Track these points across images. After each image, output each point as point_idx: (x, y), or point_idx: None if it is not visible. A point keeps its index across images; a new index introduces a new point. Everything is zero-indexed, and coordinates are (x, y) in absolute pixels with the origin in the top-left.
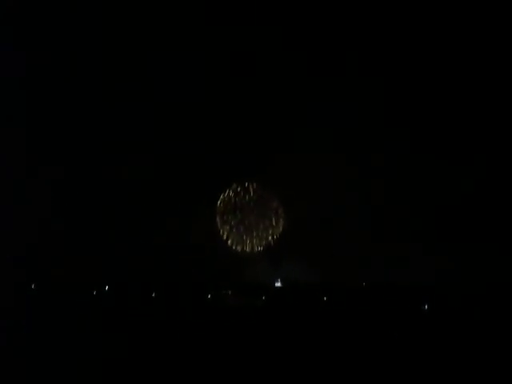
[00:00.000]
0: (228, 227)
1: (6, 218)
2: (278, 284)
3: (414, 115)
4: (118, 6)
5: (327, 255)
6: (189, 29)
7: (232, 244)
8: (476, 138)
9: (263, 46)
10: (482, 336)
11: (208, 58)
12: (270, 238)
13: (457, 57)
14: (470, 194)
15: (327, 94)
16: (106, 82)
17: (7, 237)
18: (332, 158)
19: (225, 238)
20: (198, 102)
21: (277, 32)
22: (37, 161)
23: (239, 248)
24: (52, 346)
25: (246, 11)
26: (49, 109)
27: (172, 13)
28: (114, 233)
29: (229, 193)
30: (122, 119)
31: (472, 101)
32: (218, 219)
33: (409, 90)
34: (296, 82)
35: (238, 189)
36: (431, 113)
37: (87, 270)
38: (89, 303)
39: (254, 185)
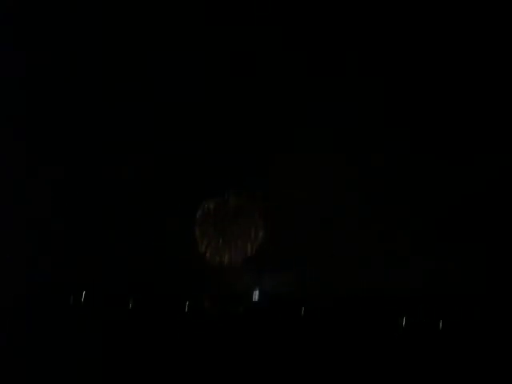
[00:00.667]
0: (206, 238)
1: (5, 218)
2: (256, 296)
3: (414, 115)
4: (118, 5)
5: (326, 257)
6: (189, 29)
7: (210, 255)
8: (477, 137)
9: (263, 46)
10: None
11: (208, 58)
12: (249, 249)
13: (457, 57)
14: (470, 194)
15: (327, 94)
16: (106, 81)
17: (7, 237)
18: (332, 158)
19: (203, 249)
20: (198, 102)
21: (277, 32)
22: (37, 161)
23: (217, 259)
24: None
25: (245, 11)
26: (49, 109)
27: (172, 13)
28: (114, 232)
29: (208, 204)
30: (122, 119)
31: (472, 100)
32: (196, 230)
33: (409, 90)
34: (296, 82)
35: (218, 200)
36: (431, 112)
37: (86, 270)
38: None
39: (235, 196)
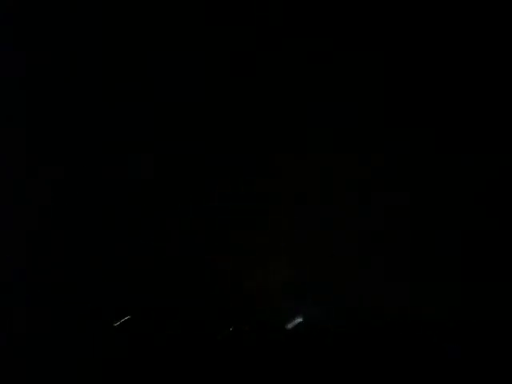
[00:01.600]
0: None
1: (6, 217)
2: (297, 323)
3: (414, 115)
4: (118, 5)
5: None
6: (189, 29)
7: (244, 279)
8: (479, 137)
9: (263, 45)
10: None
11: (208, 57)
12: (286, 270)
13: (457, 56)
14: (472, 195)
15: (327, 94)
16: (106, 81)
17: (7, 237)
18: (332, 158)
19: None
20: (198, 102)
21: (277, 32)
22: (37, 161)
23: (253, 283)
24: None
25: (245, 11)
26: (49, 109)
27: (172, 13)
28: (114, 233)
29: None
30: (122, 119)
31: (475, 100)
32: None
33: (409, 90)
34: (296, 82)
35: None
36: (432, 112)
37: (86, 273)
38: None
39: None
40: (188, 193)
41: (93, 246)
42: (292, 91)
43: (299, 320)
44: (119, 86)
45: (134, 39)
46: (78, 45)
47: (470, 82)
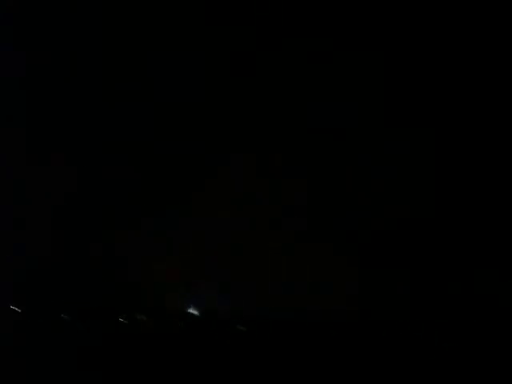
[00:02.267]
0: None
1: (6, 218)
2: (193, 311)
3: (414, 115)
4: (118, 5)
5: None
6: (189, 29)
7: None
8: (479, 137)
9: (263, 45)
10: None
11: (208, 57)
12: (183, 260)
13: (457, 56)
14: (472, 195)
15: (327, 94)
16: (106, 81)
17: (7, 237)
18: (332, 158)
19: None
20: (198, 101)
21: (277, 32)
22: (37, 161)
23: (152, 272)
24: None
25: (245, 11)
26: (49, 109)
27: (172, 13)
28: (113, 232)
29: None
30: (122, 119)
31: (474, 101)
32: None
33: (409, 90)
34: (296, 82)
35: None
36: (432, 112)
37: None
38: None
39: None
40: (188, 192)
41: (92, 244)
42: (292, 91)
43: (194, 311)
44: (119, 85)
45: (133, 39)
46: (78, 45)
47: (470, 82)
